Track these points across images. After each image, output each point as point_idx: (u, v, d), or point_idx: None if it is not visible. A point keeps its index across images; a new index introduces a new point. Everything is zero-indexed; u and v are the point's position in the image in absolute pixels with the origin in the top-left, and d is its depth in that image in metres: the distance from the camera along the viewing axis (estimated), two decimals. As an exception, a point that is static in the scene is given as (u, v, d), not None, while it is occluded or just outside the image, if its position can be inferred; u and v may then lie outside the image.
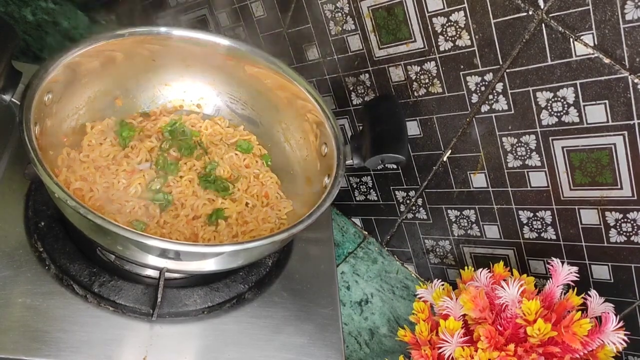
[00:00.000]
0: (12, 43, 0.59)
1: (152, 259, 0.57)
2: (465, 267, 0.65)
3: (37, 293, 0.59)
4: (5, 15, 0.93)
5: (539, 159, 0.63)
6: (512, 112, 0.63)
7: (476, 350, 0.55)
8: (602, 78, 0.56)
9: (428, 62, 0.67)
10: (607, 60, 0.55)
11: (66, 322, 0.58)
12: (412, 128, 0.71)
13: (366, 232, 0.84)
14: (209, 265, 0.59)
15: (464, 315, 0.58)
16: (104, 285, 0.60)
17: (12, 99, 0.56)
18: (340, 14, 0.72)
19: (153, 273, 0.63)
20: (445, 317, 0.58)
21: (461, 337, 0.56)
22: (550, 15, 0.56)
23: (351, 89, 0.76)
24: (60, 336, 0.57)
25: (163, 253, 0.55)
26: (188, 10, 0.90)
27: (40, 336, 0.56)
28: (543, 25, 0.57)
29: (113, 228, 0.50)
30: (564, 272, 0.58)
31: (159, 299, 0.59)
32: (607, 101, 0.57)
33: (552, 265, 0.59)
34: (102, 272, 0.61)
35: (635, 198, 0.59)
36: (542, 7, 0.56)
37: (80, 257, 0.61)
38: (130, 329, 0.59)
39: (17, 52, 0.54)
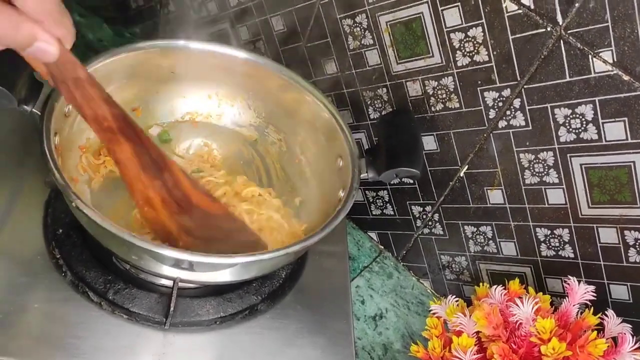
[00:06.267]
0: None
1: (166, 269, 0.57)
2: (481, 284, 0.64)
3: (53, 299, 0.60)
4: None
5: (556, 175, 0.63)
6: (530, 128, 0.62)
7: (489, 369, 0.54)
8: (622, 95, 0.55)
9: (445, 77, 0.67)
10: (626, 77, 0.54)
11: (81, 329, 0.58)
12: (429, 143, 0.71)
13: (382, 247, 0.84)
14: (223, 276, 0.60)
15: (478, 332, 0.58)
16: (118, 293, 0.61)
17: (34, 109, 0.58)
18: (358, 29, 0.72)
19: (167, 282, 0.63)
20: (459, 333, 0.58)
21: (474, 355, 0.55)
22: (569, 31, 0.56)
23: (368, 103, 0.76)
24: (75, 342, 0.57)
25: (177, 263, 0.56)
26: (209, 24, 0.91)
27: (55, 342, 0.57)
28: (561, 41, 0.57)
29: (128, 238, 0.51)
30: (580, 291, 0.57)
31: (172, 308, 0.60)
32: (626, 118, 0.56)
33: (568, 284, 0.58)
34: (117, 280, 0.61)
35: (656, 217, 0.58)
36: (560, 23, 0.56)
37: (96, 265, 0.62)
38: (144, 337, 0.60)
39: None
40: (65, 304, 0.59)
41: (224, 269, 0.58)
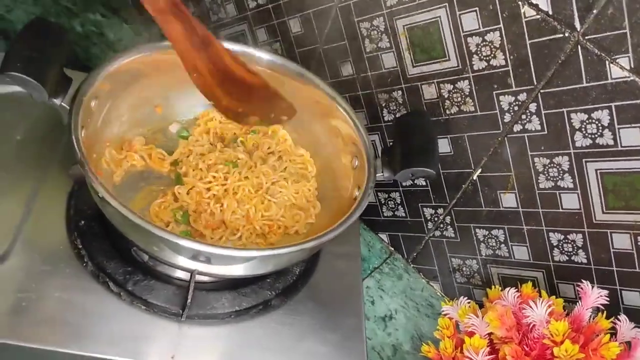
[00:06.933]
0: (65, 49, 0.62)
1: (184, 261, 0.58)
2: (493, 287, 0.65)
3: (74, 288, 0.61)
4: (56, 26, 0.98)
5: (571, 180, 0.63)
6: (545, 132, 0.63)
7: (501, 369, 0.54)
8: (638, 101, 0.56)
9: (461, 81, 0.67)
10: (643, 84, 0.55)
11: (100, 318, 0.60)
12: (443, 146, 0.72)
13: (392, 248, 0.84)
14: (239, 270, 0.61)
15: (490, 333, 0.58)
16: (137, 284, 0.62)
17: (62, 103, 0.59)
18: (375, 32, 0.73)
19: (184, 275, 0.64)
20: (471, 334, 0.58)
21: (486, 356, 0.56)
22: (587, 37, 0.56)
23: (383, 105, 0.77)
24: (93, 330, 0.59)
25: (195, 255, 0.57)
26: (228, 25, 0.93)
27: (74, 329, 0.58)
28: (579, 47, 0.57)
29: (152, 229, 0.52)
30: (593, 295, 0.57)
31: (188, 300, 0.61)
32: (642, 124, 0.56)
33: (581, 288, 0.58)
34: (136, 271, 0.63)
35: (670, 224, 0.58)
36: (578, 29, 0.57)
37: (117, 256, 0.63)
38: (160, 328, 0.61)
39: (67, 59, 0.58)
40: (85, 293, 0.61)
41: (241, 263, 0.59)
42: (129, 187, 0.69)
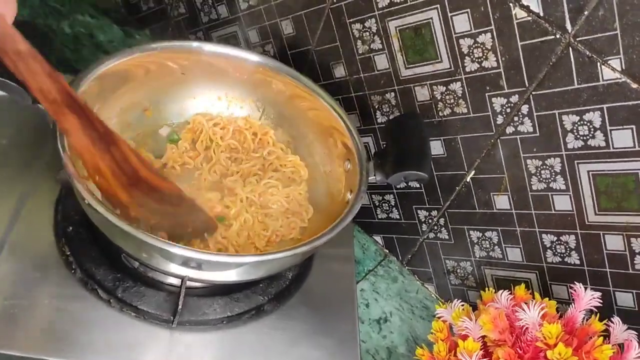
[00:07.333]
0: (51, 51, 0.61)
1: (175, 267, 0.58)
2: (486, 289, 0.65)
3: (63, 296, 0.60)
4: (44, 27, 0.97)
5: (563, 182, 0.63)
6: (538, 134, 0.63)
7: (495, 373, 0.54)
8: (630, 103, 0.56)
9: (454, 83, 0.67)
10: (634, 85, 0.55)
11: (89, 325, 0.59)
12: (436, 148, 0.72)
13: (387, 251, 0.84)
14: (230, 276, 0.60)
15: (483, 336, 0.58)
16: (127, 290, 0.61)
17: (48, 107, 0.58)
18: (368, 34, 0.73)
19: (175, 281, 0.64)
20: (464, 337, 0.58)
21: (480, 359, 0.56)
22: (578, 39, 0.56)
23: (376, 107, 0.77)
24: (83, 338, 0.58)
25: (186, 262, 0.56)
26: (219, 26, 0.92)
27: (63, 337, 0.57)
28: (570, 48, 0.57)
29: (139, 235, 0.51)
30: (586, 297, 0.57)
31: (179, 307, 0.60)
32: (634, 126, 0.56)
33: (574, 290, 0.58)
34: (126, 278, 0.62)
35: (662, 225, 0.58)
36: (569, 31, 0.56)
37: (106, 262, 0.63)
38: (151, 335, 0.60)
39: (54, 62, 0.57)
40: (74, 301, 0.60)
41: (232, 269, 0.58)
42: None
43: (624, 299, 0.63)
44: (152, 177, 0.58)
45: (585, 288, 0.58)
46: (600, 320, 0.57)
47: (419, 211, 0.78)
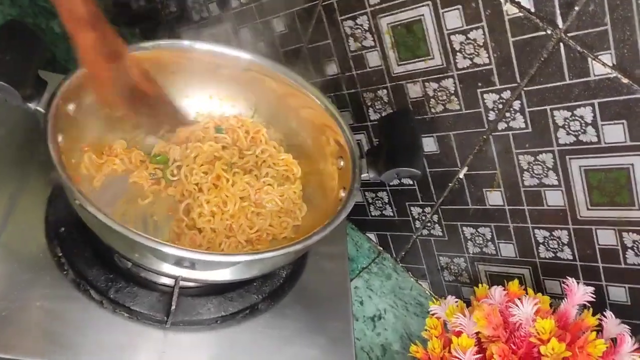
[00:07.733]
0: (39, 53, 0.61)
1: (168, 267, 0.57)
2: (480, 285, 0.65)
3: (55, 297, 0.60)
4: (34, 26, 0.96)
5: (555, 177, 0.63)
6: (530, 130, 0.63)
7: (489, 369, 0.54)
8: (621, 98, 0.56)
9: (446, 79, 0.67)
10: (625, 80, 0.55)
11: (82, 327, 0.59)
12: (429, 144, 0.72)
13: (381, 248, 0.84)
14: (224, 275, 0.60)
15: (477, 332, 0.58)
16: (120, 291, 0.61)
17: (37, 107, 0.58)
18: (359, 31, 0.73)
19: (168, 281, 0.63)
20: (458, 334, 0.58)
21: (474, 355, 0.56)
22: (569, 34, 0.56)
23: (369, 104, 0.77)
24: (76, 340, 0.57)
25: (179, 261, 0.56)
26: (210, 25, 0.92)
27: (56, 339, 0.57)
28: (561, 44, 0.57)
29: (131, 235, 0.51)
30: (579, 292, 0.57)
31: (173, 307, 0.60)
32: (625, 121, 0.56)
33: (567, 285, 0.58)
34: (118, 278, 0.61)
35: (653, 219, 0.58)
36: (560, 26, 0.57)
37: (98, 263, 0.62)
38: (145, 336, 0.60)
39: (44, 62, 0.56)
40: (66, 302, 0.60)
41: (225, 268, 0.58)
42: (109, 192, 0.67)
43: (617, 293, 0.63)
44: (146, 84, 0.64)
45: (578, 283, 0.58)
46: (593, 314, 0.58)
47: (412, 208, 0.78)
